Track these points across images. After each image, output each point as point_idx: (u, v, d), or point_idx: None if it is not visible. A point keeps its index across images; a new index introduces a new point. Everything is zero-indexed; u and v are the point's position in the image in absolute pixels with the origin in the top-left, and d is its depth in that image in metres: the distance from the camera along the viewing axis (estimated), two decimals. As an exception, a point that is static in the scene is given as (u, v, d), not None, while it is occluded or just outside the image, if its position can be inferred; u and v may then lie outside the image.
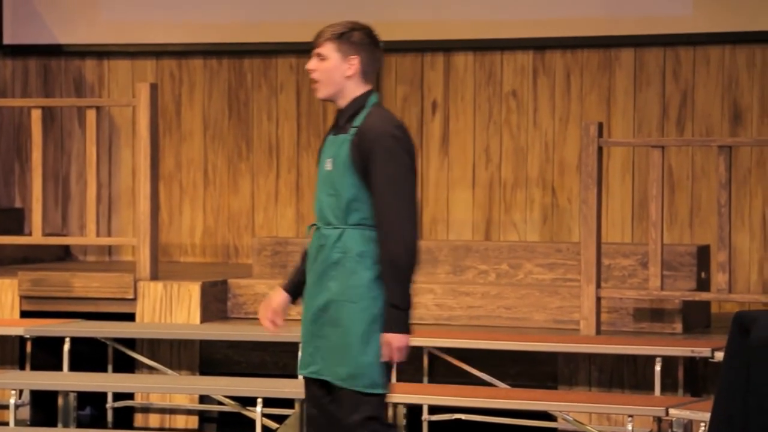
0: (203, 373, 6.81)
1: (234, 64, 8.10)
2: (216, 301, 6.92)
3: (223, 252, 8.10)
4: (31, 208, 7.24)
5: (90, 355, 6.86)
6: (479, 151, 7.76)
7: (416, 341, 6.28)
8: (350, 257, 3.96)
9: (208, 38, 8.03)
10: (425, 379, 6.45)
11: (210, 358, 6.88)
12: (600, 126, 6.41)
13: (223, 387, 6.29)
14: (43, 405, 6.68)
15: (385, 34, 7.68)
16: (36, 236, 7.09)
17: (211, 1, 8.01)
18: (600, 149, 6.38)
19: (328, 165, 4.00)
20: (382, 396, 4.03)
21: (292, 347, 6.51)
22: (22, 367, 6.79)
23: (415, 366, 6.47)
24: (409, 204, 3.95)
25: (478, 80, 7.77)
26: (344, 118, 4.01)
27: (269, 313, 4.19)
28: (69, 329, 6.61)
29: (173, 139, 8.16)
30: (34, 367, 6.73)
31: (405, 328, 3.97)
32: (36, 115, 7.09)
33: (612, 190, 7.41)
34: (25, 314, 6.94)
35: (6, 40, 8.25)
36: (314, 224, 4.06)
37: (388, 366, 4.01)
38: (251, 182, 8.08)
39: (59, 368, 6.60)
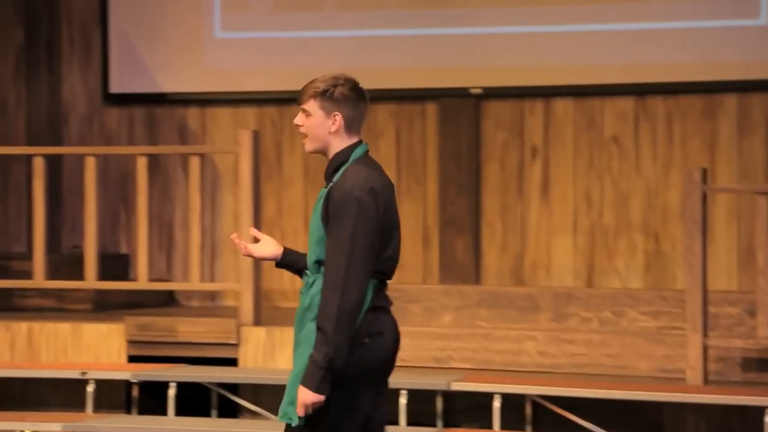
0: (305, 418, 6.82)
1: (334, 111, 8.16)
2: (317, 347, 6.94)
3: (324, 297, 8.13)
4: (136, 253, 7.36)
5: (194, 399, 6.92)
6: (580, 197, 7.72)
7: (519, 389, 6.26)
8: (316, 304, 4.03)
9: (309, 85, 8.11)
10: (528, 427, 6.41)
11: (312, 404, 6.89)
12: (704, 172, 6.34)
13: (326, 433, 6.29)
14: (149, 449, 6.74)
15: (484, 80, 7.82)
16: (141, 282, 7.19)
17: (310, 49, 8.11)
18: (704, 196, 6.32)
19: (312, 216, 4.14)
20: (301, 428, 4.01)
21: (394, 394, 6.51)
22: (129, 412, 6.88)
23: (518, 414, 6.44)
24: (354, 268, 3.93)
25: (578, 126, 7.75)
26: (328, 172, 4.11)
27: (253, 240, 4.25)
28: (174, 374, 6.68)
29: (274, 185, 8.24)
30: (141, 412, 6.82)
31: (314, 386, 3.94)
32: (141, 163, 7.22)
33: (717, 237, 7.32)
34: (131, 359, 7.04)
35: (112, 89, 8.43)
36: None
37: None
38: (351, 228, 8.11)
39: (164, 413, 6.67)
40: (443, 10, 7.88)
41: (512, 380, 6.38)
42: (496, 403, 6.24)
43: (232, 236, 4.33)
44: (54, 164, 8.32)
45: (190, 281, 7.27)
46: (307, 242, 4.13)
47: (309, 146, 4.12)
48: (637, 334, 6.64)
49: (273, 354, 6.87)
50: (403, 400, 6.37)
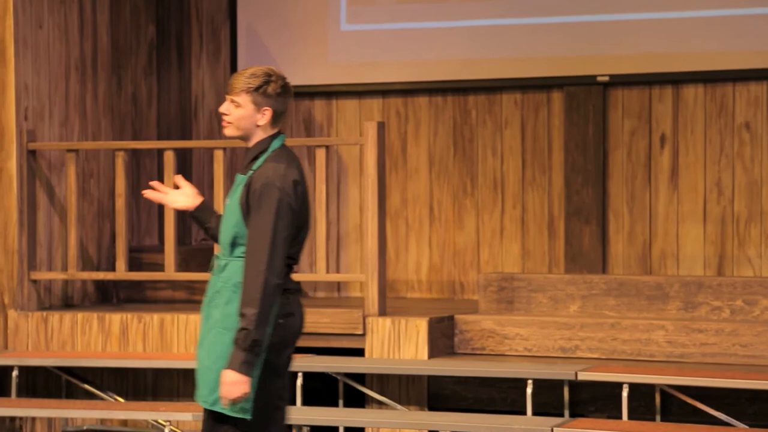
0: (431, 408, 6.83)
1: (459, 101, 8.15)
2: (443, 337, 6.95)
3: (449, 288, 8.14)
4: (264, 245, 7.43)
5: (321, 389, 6.98)
6: (710, 185, 7.57)
7: (647, 379, 6.17)
8: (229, 287, 4.24)
9: (433, 76, 8.12)
10: (657, 417, 6.31)
11: (438, 394, 6.91)
12: (840, 157, 6.16)
13: (452, 422, 6.29)
14: (277, 437, 6.82)
15: (611, 68, 7.70)
16: (269, 272, 7.26)
17: (435, 40, 8.10)
18: (840, 181, 6.14)
19: (227, 200, 4.33)
20: (241, 420, 4.19)
21: (520, 383, 6.47)
22: (257, 400, 6.95)
23: (647, 404, 6.34)
24: (275, 254, 4.14)
25: (708, 112, 7.59)
26: (248, 159, 4.31)
27: (174, 188, 4.50)
28: (302, 364, 6.74)
29: (399, 176, 8.26)
30: (268, 400, 6.89)
31: (239, 367, 4.11)
32: (268, 155, 7.29)
33: None
34: (258, 348, 7.12)
35: (240, 83, 8.54)
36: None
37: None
38: (476, 218, 8.10)
39: (293, 402, 6.74)
40: (568, -2, 7.80)
41: (641, 370, 6.29)
42: (625, 393, 6.16)
43: (150, 187, 4.54)
44: (184, 158, 8.48)
45: (317, 272, 7.32)
46: (221, 225, 4.32)
47: (230, 132, 4.32)
48: (770, 323, 6.49)
49: (399, 344, 6.88)
50: (529, 390, 6.33)
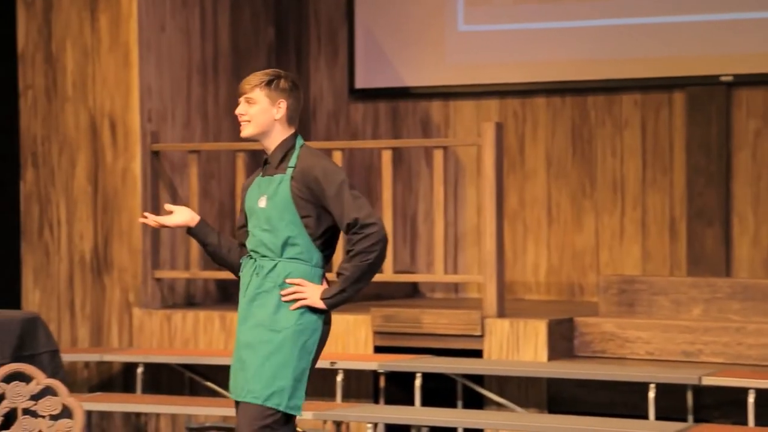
0: (551, 411, 6.78)
1: (577, 102, 8.08)
2: (562, 339, 6.89)
3: (568, 290, 8.07)
4: (382, 245, 7.45)
5: (438, 390, 6.97)
6: (838, 187, 7.39)
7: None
8: (281, 287, 4.26)
9: (551, 76, 8.06)
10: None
11: (557, 397, 6.85)
12: None
13: (572, 426, 6.22)
14: (396, 438, 6.84)
15: (735, 67, 7.56)
16: (387, 274, 7.28)
17: (553, 40, 8.04)
18: None
19: (262, 203, 4.33)
20: (284, 415, 4.29)
21: (641, 387, 6.39)
22: (376, 401, 6.98)
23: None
24: (371, 208, 4.26)
25: (836, 112, 7.42)
26: (277, 158, 4.35)
27: (166, 214, 4.52)
28: (420, 365, 6.74)
29: (517, 178, 8.21)
30: (387, 401, 6.91)
31: (331, 303, 4.26)
32: (386, 157, 7.31)
33: None
34: (377, 349, 7.15)
35: (358, 85, 8.59)
36: (249, 255, 4.37)
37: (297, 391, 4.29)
38: (595, 220, 8.01)
39: (410, 402, 6.74)
40: (690, -4, 7.68)
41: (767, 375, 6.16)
42: (751, 399, 6.04)
43: (140, 220, 4.57)
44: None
45: (434, 273, 7.32)
46: (253, 230, 4.33)
47: (249, 132, 4.38)
48: None
49: (517, 346, 6.85)
50: (651, 394, 6.25)
